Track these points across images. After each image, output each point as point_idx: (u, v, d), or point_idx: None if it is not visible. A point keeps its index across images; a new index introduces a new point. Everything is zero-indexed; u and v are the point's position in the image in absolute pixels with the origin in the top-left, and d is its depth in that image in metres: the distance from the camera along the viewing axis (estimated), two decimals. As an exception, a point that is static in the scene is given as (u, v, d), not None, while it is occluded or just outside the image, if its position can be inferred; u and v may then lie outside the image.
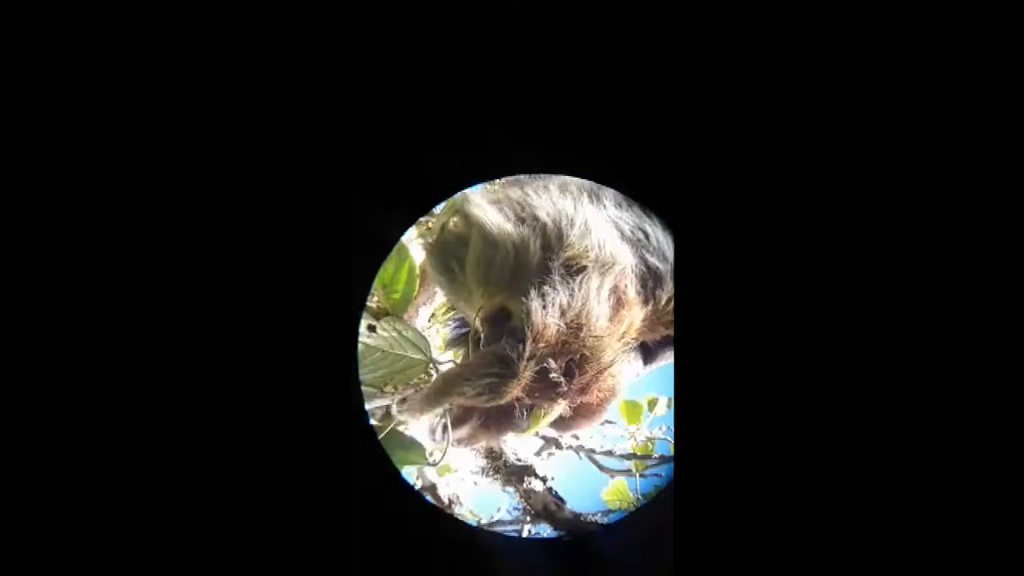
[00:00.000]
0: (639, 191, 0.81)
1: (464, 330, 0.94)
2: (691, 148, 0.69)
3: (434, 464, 0.84)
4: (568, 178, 0.88)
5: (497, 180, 0.89)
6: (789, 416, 0.66)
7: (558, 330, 0.78)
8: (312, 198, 0.68)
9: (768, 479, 0.66)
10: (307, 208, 0.68)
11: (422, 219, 0.93)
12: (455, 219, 0.87)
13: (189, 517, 0.65)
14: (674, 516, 0.66)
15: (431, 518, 0.81)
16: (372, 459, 0.76)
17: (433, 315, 0.96)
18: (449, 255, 0.87)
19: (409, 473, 0.88)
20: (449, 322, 0.98)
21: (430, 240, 0.89)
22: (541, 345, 0.78)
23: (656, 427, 1.03)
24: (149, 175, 0.66)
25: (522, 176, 0.89)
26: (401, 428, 0.82)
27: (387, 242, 0.78)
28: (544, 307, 0.78)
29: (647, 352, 0.88)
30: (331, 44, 0.70)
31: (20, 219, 0.65)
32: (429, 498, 0.91)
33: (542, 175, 0.88)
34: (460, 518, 0.91)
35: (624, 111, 0.74)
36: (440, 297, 0.98)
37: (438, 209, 0.91)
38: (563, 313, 0.78)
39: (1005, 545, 0.63)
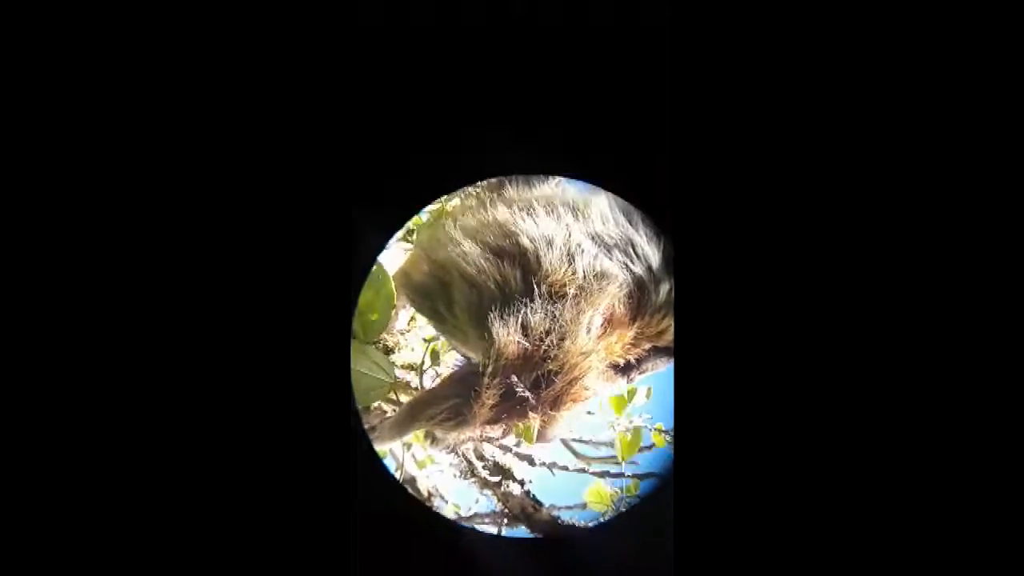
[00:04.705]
0: (635, 193, 0.79)
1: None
2: (689, 150, 0.68)
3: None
4: (555, 191, 0.86)
5: (481, 183, 0.87)
6: (789, 417, 0.67)
7: (518, 346, 0.77)
8: (309, 207, 0.68)
9: (767, 481, 0.67)
10: (305, 213, 0.68)
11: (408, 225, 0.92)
12: (431, 258, 0.85)
13: (190, 517, 0.67)
14: (674, 517, 0.68)
15: (419, 514, 0.83)
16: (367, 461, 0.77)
17: (412, 318, 0.96)
18: (435, 299, 0.85)
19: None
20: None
21: (411, 273, 0.87)
22: (502, 363, 0.77)
23: (636, 415, 1.03)
24: (145, 180, 0.67)
25: (509, 178, 0.87)
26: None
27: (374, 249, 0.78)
28: (504, 325, 0.77)
29: (628, 368, 0.88)
30: (324, 44, 0.68)
31: (21, 223, 0.65)
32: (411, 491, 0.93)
33: (532, 177, 0.86)
34: (440, 511, 0.94)
35: (621, 112, 0.72)
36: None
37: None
38: (526, 330, 0.78)
39: (1005, 545, 0.65)
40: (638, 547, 0.77)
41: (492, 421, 0.82)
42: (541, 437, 0.87)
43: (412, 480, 0.95)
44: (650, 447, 1.01)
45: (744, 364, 0.67)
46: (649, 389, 1.02)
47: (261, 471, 0.67)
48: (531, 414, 0.81)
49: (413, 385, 0.89)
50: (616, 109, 0.72)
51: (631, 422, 1.02)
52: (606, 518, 0.90)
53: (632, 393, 1.03)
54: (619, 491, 0.99)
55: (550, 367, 0.79)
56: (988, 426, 0.65)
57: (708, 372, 0.68)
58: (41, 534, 0.65)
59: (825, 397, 0.66)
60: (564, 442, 1.01)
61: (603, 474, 0.95)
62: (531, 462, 0.91)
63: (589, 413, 1.01)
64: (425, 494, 0.96)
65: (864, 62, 0.67)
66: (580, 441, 1.01)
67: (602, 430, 1.02)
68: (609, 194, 0.84)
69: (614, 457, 1.00)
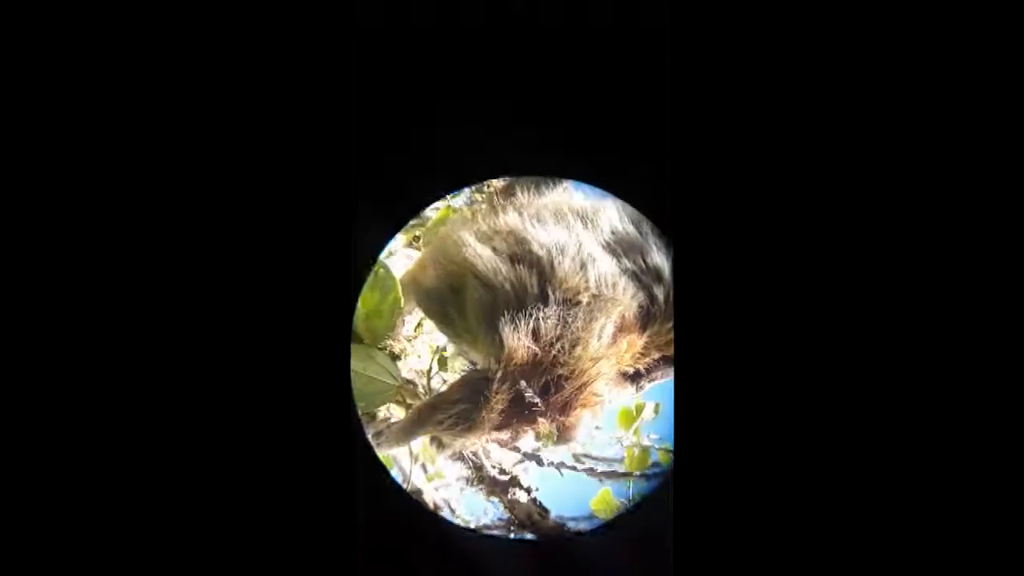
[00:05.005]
0: (637, 195, 0.80)
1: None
2: (689, 151, 0.68)
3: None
4: (563, 196, 0.86)
5: (489, 188, 0.87)
6: (789, 421, 0.66)
7: (528, 351, 0.78)
8: (309, 207, 0.69)
9: (766, 483, 0.66)
10: (306, 218, 0.69)
11: (411, 225, 0.92)
12: (442, 261, 0.85)
13: (192, 522, 0.67)
14: (674, 518, 0.67)
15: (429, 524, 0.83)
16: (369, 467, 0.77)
17: (419, 324, 0.96)
18: (445, 303, 0.85)
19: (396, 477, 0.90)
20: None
21: (419, 277, 0.88)
22: (512, 367, 0.77)
23: (645, 434, 1.03)
24: (145, 183, 0.67)
25: (517, 181, 0.88)
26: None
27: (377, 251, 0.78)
28: (516, 330, 0.77)
29: (637, 376, 0.87)
30: (326, 45, 0.69)
31: (22, 223, 0.66)
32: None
33: (540, 180, 0.87)
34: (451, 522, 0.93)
35: (621, 113, 0.73)
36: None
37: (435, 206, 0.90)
38: (537, 335, 0.78)
39: (1005, 545, 0.64)
40: (639, 548, 0.76)
41: (501, 426, 0.81)
42: (562, 438, 0.86)
43: (419, 492, 0.94)
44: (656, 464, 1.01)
45: (744, 368, 0.67)
46: (657, 405, 1.02)
47: (263, 480, 0.67)
48: (540, 420, 0.81)
49: (420, 389, 0.88)
50: (616, 110, 0.72)
51: (638, 440, 1.02)
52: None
53: (640, 408, 1.03)
54: (626, 502, 0.98)
55: (560, 372, 0.79)
56: (986, 434, 0.64)
57: (708, 375, 0.68)
58: (41, 538, 0.65)
59: (825, 402, 0.66)
60: (574, 456, 1.00)
61: (611, 474, 0.94)
62: (539, 462, 0.90)
63: (597, 428, 1.02)
64: (432, 506, 0.95)
65: (865, 62, 0.67)
66: (588, 456, 1.01)
67: (609, 446, 1.02)
68: (618, 202, 0.84)
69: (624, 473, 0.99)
